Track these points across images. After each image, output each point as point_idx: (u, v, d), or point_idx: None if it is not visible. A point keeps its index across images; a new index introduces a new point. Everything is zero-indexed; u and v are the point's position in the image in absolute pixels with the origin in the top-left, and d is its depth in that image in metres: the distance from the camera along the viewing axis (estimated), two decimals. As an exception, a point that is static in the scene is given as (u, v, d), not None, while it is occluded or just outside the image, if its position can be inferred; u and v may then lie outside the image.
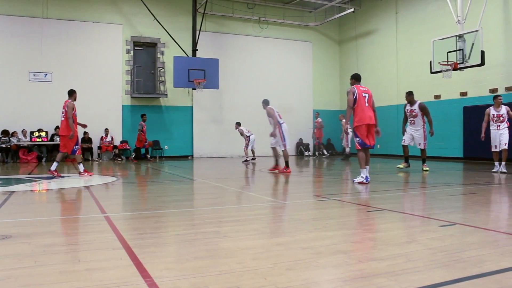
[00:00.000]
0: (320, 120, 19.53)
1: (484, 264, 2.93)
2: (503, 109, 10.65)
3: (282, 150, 10.85)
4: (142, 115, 17.24)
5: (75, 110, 10.03)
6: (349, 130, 16.62)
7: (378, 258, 3.11)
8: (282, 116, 10.96)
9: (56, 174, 9.86)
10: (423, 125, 11.15)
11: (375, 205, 5.63)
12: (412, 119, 11.26)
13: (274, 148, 11.26)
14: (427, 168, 11.07)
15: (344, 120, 16.74)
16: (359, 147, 8.22)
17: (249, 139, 15.51)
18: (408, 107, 11.32)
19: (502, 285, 2.53)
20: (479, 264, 2.92)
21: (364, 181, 8.09)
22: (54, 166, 9.91)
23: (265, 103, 11.05)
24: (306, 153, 20.58)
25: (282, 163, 11.10)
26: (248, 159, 15.69)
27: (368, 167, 8.25)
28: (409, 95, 11.33)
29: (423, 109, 11.10)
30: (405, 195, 7.09)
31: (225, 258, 3.15)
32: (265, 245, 3.55)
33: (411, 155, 11.70)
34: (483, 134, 10.82)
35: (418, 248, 3.39)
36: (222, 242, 3.61)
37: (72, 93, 10.22)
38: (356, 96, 8.16)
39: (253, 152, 15.89)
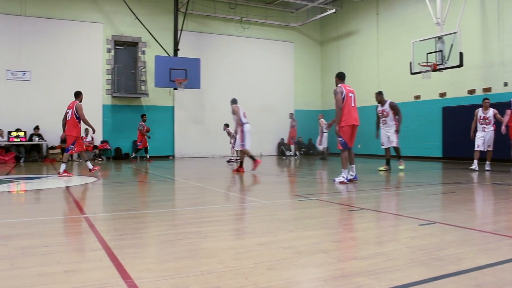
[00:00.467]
0: (294, 119, 19.53)
1: (461, 262, 2.98)
2: (490, 112, 10.92)
3: (240, 150, 10.82)
4: (142, 115, 17.06)
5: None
6: (325, 130, 16.78)
7: (359, 257, 3.14)
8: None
9: (95, 168, 10.69)
10: (395, 124, 11.25)
11: (356, 205, 5.68)
12: (384, 119, 11.31)
13: (242, 151, 11.30)
14: (402, 167, 11.21)
15: (322, 120, 16.90)
16: (340, 147, 8.24)
17: (235, 139, 15.57)
18: (379, 108, 11.40)
19: (479, 282, 2.57)
20: (457, 262, 2.97)
21: (345, 180, 8.14)
22: (89, 165, 10.53)
23: (233, 101, 11.10)
24: (287, 153, 20.65)
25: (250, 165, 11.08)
26: (232, 158, 15.81)
27: (353, 165, 8.31)
28: (379, 95, 11.38)
29: (394, 107, 11.15)
30: (386, 195, 7.17)
31: (206, 258, 3.14)
32: (246, 245, 3.56)
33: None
34: (472, 133, 11.15)
35: (398, 247, 3.43)
36: (203, 242, 3.60)
37: (79, 94, 10.26)
38: (344, 95, 8.11)
39: (236, 152, 15.94)
